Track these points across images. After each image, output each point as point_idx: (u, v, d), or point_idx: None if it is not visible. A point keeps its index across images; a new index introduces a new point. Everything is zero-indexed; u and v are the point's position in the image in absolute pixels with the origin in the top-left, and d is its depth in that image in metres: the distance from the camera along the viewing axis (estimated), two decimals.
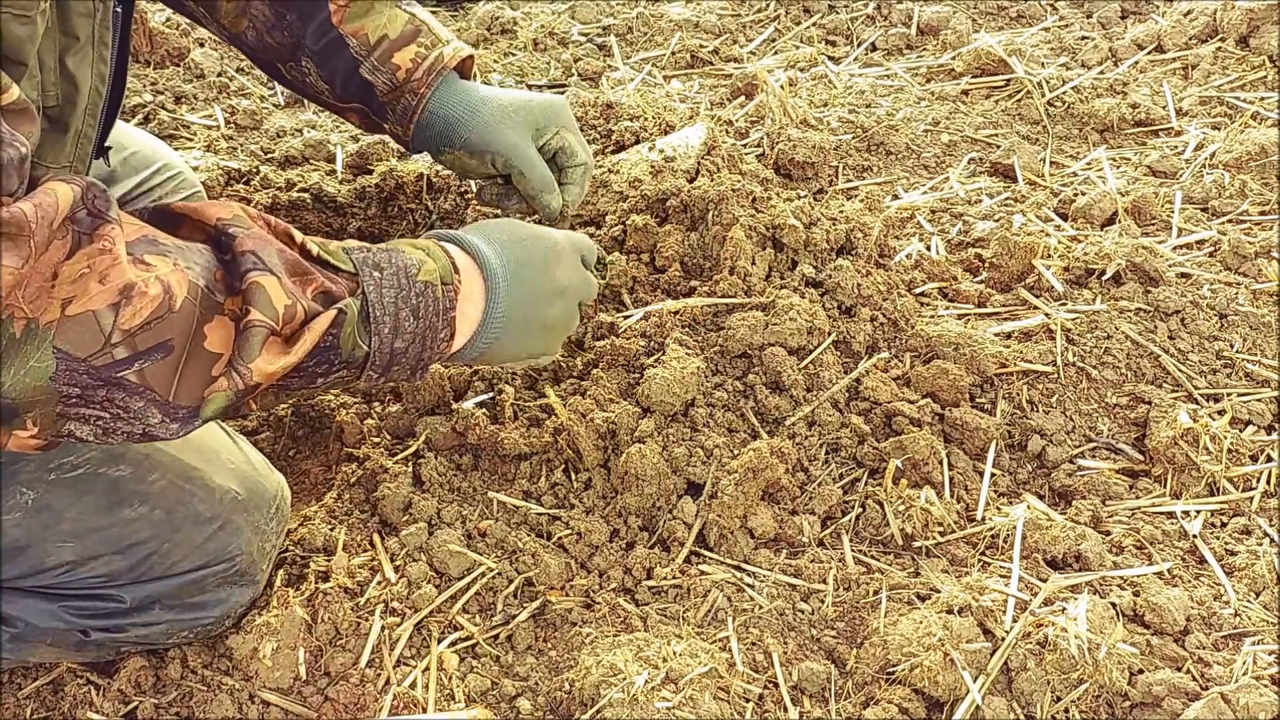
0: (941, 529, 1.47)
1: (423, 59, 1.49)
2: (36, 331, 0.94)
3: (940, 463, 1.54)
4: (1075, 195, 2.06)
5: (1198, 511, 1.51)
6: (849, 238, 1.78)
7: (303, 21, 1.48)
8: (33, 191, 0.95)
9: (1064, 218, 2.02)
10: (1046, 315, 1.75)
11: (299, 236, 1.11)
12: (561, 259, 1.32)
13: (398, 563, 1.43)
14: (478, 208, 1.83)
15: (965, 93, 2.45)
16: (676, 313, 1.66)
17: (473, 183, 1.55)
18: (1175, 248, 1.92)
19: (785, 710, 1.27)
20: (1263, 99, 2.33)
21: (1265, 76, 2.38)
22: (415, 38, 1.50)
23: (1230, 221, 2.00)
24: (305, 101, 2.39)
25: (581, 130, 2.16)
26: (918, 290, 1.84)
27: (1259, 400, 1.65)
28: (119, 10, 1.16)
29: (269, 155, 2.25)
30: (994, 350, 1.68)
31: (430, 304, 1.16)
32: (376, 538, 1.46)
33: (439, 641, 1.36)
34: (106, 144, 1.41)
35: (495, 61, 2.58)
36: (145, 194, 1.78)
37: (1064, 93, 2.38)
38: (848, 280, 1.70)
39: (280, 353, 1.05)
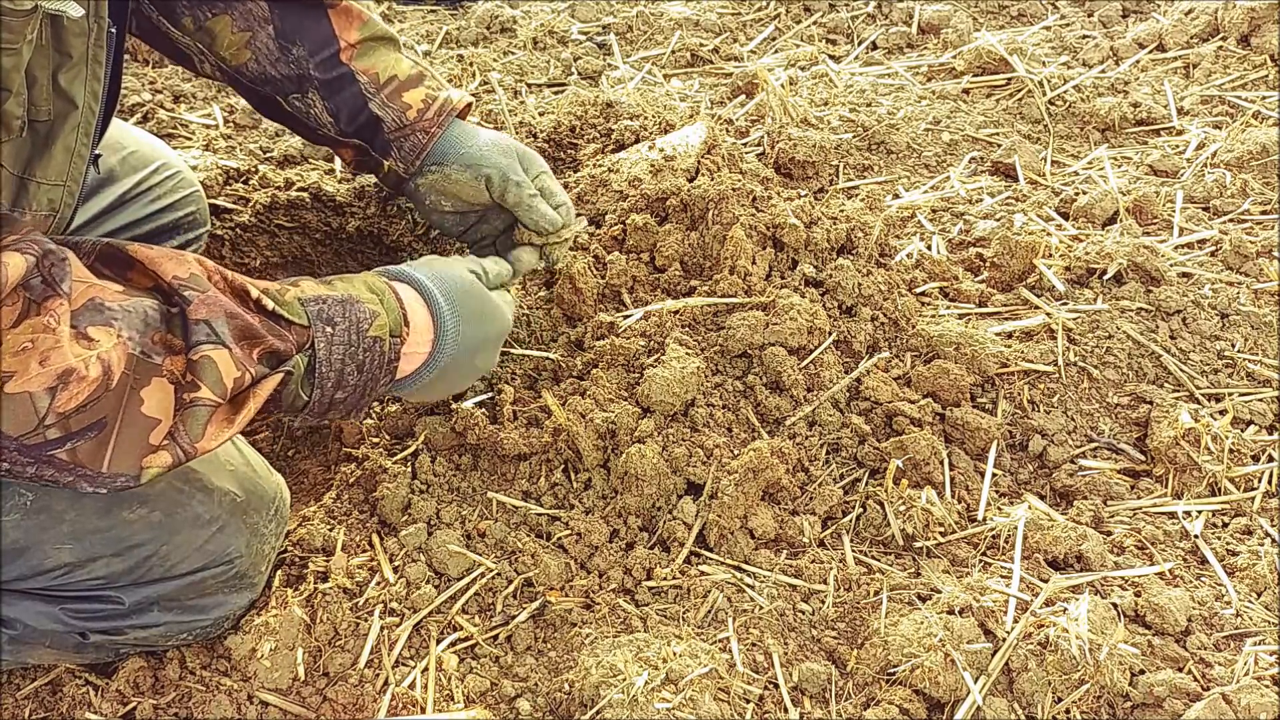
0: (942, 529, 1.47)
1: (433, 100, 1.55)
2: None
3: (941, 463, 1.54)
4: (1076, 194, 2.06)
5: (1199, 512, 1.50)
6: (849, 237, 1.78)
7: (310, 55, 1.52)
8: None
9: (1065, 217, 2.02)
10: (1048, 315, 1.75)
11: (254, 291, 1.13)
12: (496, 314, 1.40)
13: (397, 563, 1.42)
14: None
15: (966, 91, 2.45)
16: (676, 312, 1.65)
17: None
18: (1176, 247, 1.91)
19: (785, 711, 1.27)
20: (1264, 98, 2.32)
21: (1266, 75, 2.38)
22: (423, 80, 1.55)
23: (1231, 221, 1.99)
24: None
25: (581, 129, 2.17)
26: (918, 290, 1.83)
27: (1260, 400, 1.65)
28: (113, 31, 1.17)
29: (268, 154, 2.24)
30: (995, 350, 1.67)
31: (376, 358, 1.21)
32: (375, 538, 1.46)
33: (438, 642, 1.35)
34: (96, 152, 1.41)
35: (495, 60, 2.57)
36: (144, 193, 1.79)
37: (1065, 91, 2.38)
38: (848, 280, 1.69)
39: (225, 424, 1.10)
